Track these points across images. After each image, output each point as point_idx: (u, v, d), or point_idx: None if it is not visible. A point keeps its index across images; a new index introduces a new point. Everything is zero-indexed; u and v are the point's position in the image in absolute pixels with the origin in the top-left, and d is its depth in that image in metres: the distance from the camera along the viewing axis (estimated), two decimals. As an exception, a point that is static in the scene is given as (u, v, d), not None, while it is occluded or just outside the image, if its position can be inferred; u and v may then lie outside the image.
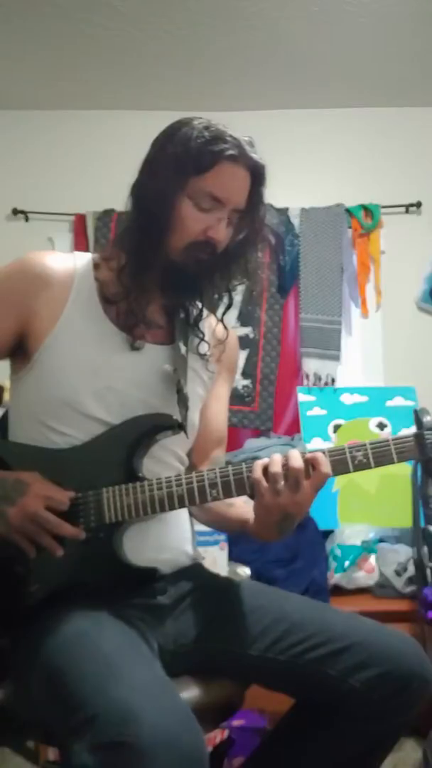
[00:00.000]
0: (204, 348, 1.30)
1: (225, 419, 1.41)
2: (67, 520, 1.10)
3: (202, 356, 1.30)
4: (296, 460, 1.07)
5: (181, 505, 1.13)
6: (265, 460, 1.09)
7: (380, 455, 1.09)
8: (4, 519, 1.07)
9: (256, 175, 1.19)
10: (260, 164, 1.19)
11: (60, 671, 0.97)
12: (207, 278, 1.22)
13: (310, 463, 1.07)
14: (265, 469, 1.08)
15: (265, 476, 1.08)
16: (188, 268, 1.18)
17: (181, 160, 1.14)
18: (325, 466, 1.07)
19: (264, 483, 1.08)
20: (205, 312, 1.30)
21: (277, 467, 1.07)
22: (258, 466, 1.09)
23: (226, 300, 1.29)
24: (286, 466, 1.07)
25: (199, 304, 1.28)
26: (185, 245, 1.17)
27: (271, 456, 1.09)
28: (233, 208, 1.18)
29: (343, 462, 1.09)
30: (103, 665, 0.94)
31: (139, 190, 1.19)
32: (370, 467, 1.09)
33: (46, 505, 1.08)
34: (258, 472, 1.08)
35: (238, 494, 1.11)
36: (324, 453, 1.09)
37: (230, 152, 1.14)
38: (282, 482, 1.07)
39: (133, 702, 0.85)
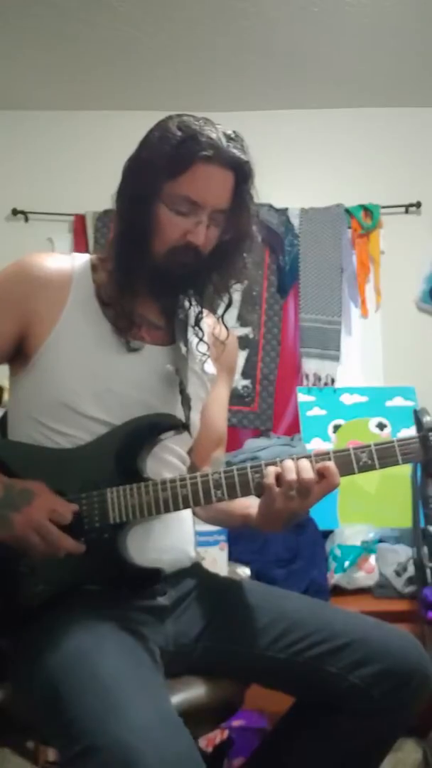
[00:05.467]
0: (203, 348, 1.30)
1: (224, 420, 1.42)
2: (71, 521, 1.10)
3: (202, 356, 1.30)
4: (308, 472, 1.07)
5: (186, 506, 1.13)
6: (278, 468, 1.09)
7: (385, 456, 1.09)
8: (8, 525, 1.07)
9: (239, 172, 1.16)
10: (242, 160, 1.15)
11: (60, 694, 0.95)
12: (197, 280, 1.21)
13: (321, 473, 1.08)
14: (277, 476, 1.08)
15: (276, 482, 1.08)
16: (173, 271, 1.17)
17: (154, 165, 1.13)
18: (336, 477, 1.08)
19: (276, 489, 1.08)
20: (204, 312, 1.30)
21: (291, 476, 1.07)
22: (271, 472, 1.09)
23: (225, 300, 1.28)
24: (298, 476, 1.07)
25: (197, 305, 1.28)
26: (166, 250, 1.16)
27: (284, 465, 1.09)
28: (213, 209, 1.15)
29: (348, 463, 1.09)
30: (103, 697, 0.91)
31: (119, 196, 1.19)
32: (374, 468, 1.10)
33: (50, 517, 1.07)
34: (271, 478, 1.08)
35: (243, 495, 1.12)
36: (329, 455, 1.09)
37: (203, 153, 1.11)
38: (294, 491, 1.07)
39: (133, 745, 0.84)
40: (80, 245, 3.02)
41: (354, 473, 1.10)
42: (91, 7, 2.45)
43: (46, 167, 3.13)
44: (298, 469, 1.08)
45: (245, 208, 1.20)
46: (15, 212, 3.09)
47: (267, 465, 1.11)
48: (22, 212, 3.09)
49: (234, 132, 1.17)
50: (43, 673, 1.00)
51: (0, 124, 3.17)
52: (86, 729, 0.88)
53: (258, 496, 1.12)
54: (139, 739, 0.85)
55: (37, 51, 2.73)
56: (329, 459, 1.10)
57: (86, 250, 2.91)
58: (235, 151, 1.15)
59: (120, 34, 2.60)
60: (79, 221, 3.07)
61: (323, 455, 1.10)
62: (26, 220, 3.10)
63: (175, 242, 1.16)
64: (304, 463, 1.08)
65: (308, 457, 1.10)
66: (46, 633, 1.05)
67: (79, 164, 3.11)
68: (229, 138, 1.15)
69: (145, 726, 0.87)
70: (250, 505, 1.18)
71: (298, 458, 1.10)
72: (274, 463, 1.11)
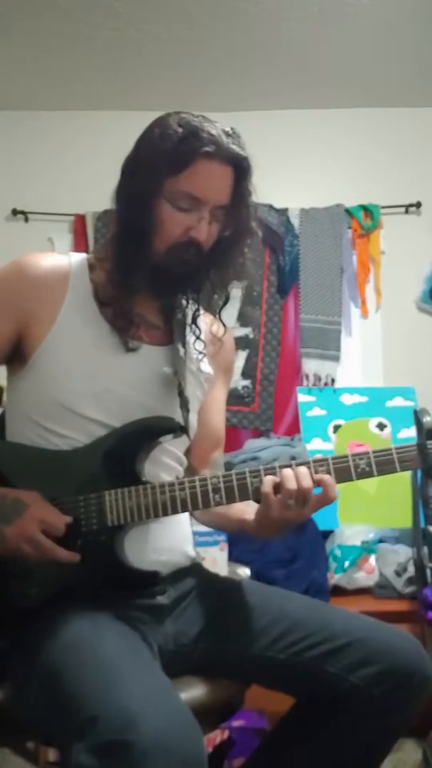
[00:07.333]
0: (200, 346, 1.30)
1: (222, 421, 1.42)
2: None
3: (199, 355, 1.30)
4: (306, 480, 1.08)
5: (184, 510, 1.13)
6: (276, 478, 1.09)
7: (383, 464, 1.10)
8: (1, 537, 1.07)
9: (239, 168, 1.17)
10: (241, 156, 1.16)
11: (59, 675, 0.96)
12: (197, 277, 1.21)
13: (319, 483, 1.08)
14: (276, 485, 1.09)
15: (274, 491, 1.08)
16: (175, 269, 1.17)
17: (155, 161, 1.13)
18: (333, 491, 1.08)
19: (273, 497, 1.08)
20: (201, 310, 1.30)
21: (291, 484, 1.07)
22: (268, 481, 1.09)
23: (222, 297, 1.28)
24: (297, 484, 1.07)
25: (195, 303, 1.27)
26: (168, 247, 1.16)
27: (283, 474, 1.09)
28: (215, 205, 1.16)
29: (346, 470, 1.10)
30: (102, 670, 0.93)
31: (119, 195, 1.19)
32: (372, 475, 1.10)
33: (42, 529, 1.07)
34: (268, 487, 1.09)
35: (241, 499, 1.12)
36: (328, 461, 1.09)
37: (204, 149, 1.11)
38: (293, 500, 1.08)
39: (132, 707, 0.85)
40: (80, 245, 3.01)
41: (352, 480, 1.10)
42: (91, 8, 2.45)
43: (46, 167, 3.13)
44: (297, 476, 1.08)
45: (245, 205, 1.20)
46: (15, 212, 3.09)
47: (265, 470, 1.11)
48: (22, 212, 3.09)
49: (232, 128, 1.17)
50: (43, 659, 1.01)
51: (0, 124, 3.17)
52: (85, 701, 0.89)
53: (256, 501, 1.12)
54: (137, 704, 0.86)
55: (37, 51, 2.73)
56: (328, 466, 1.10)
57: (86, 250, 2.90)
58: (234, 147, 1.15)
59: (120, 34, 2.60)
60: (79, 221, 3.07)
61: (322, 462, 1.10)
62: (26, 220, 3.10)
63: (178, 239, 1.16)
64: (303, 470, 1.08)
65: (306, 464, 1.10)
66: (44, 628, 1.05)
67: (79, 164, 3.10)
68: (227, 134, 1.15)
69: (143, 693, 0.88)
70: (246, 511, 1.18)
71: (297, 464, 1.10)
72: (273, 468, 1.11)
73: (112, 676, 0.91)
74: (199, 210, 1.15)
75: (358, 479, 1.10)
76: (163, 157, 1.12)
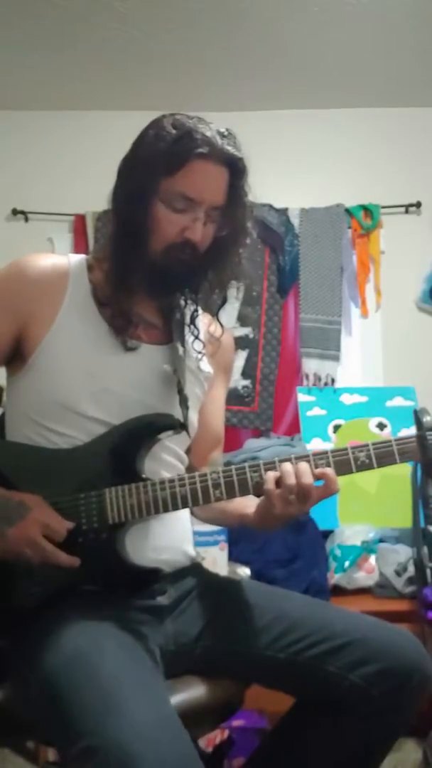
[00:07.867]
0: (199, 346, 1.31)
1: (222, 420, 1.42)
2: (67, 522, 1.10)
3: (198, 354, 1.30)
4: (307, 477, 1.08)
5: (185, 506, 1.13)
6: (277, 473, 1.09)
7: (383, 455, 1.10)
8: (2, 539, 1.07)
9: (234, 168, 1.17)
10: (236, 157, 1.16)
11: (59, 692, 0.95)
12: (194, 277, 1.21)
13: (320, 479, 1.09)
14: (277, 481, 1.09)
15: (276, 486, 1.09)
16: (171, 269, 1.18)
17: (150, 162, 1.14)
18: (335, 484, 1.08)
19: (276, 494, 1.08)
20: (199, 310, 1.30)
21: (291, 480, 1.08)
22: (271, 478, 1.09)
23: (219, 298, 1.29)
24: (297, 480, 1.08)
25: (193, 303, 1.28)
26: (164, 248, 1.17)
27: (283, 468, 1.09)
28: (210, 205, 1.16)
29: (346, 463, 1.10)
30: (103, 697, 0.92)
31: (115, 196, 1.19)
32: (372, 468, 1.10)
33: (44, 533, 1.07)
34: (271, 484, 1.09)
35: (241, 494, 1.12)
36: (327, 454, 1.09)
37: (199, 150, 1.12)
38: (294, 496, 1.08)
39: (132, 746, 0.84)
40: (80, 245, 3.02)
41: (352, 472, 1.10)
42: (91, 8, 2.45)
43: (46, 167, 3.14)
44: (298, 473, 1.08)
45: (240, 205, 1.21)
46: (15, 212, 3.09)
47: (265, 465, 1.11)
48: (22, 212, 3.09)
49: (227, 129, 1.18)
50: (43, 674, 1.00)
51: (0, 124, 3.17)
52: (85, 730, 0.89)
53: (257, 495, 1.12)
54: (137, 741, 0.85)
55: (37, 51, 2.73)
56: (328, 459, 1.10)
57: (86, 250, 2.91)
58: (229, 147, 1.15)
59: (120, 34, 2.60)
60: (79, 221, 3.07)
61: (321, 455, 1.10)
62: (26, 220, 3.10)
63: (173, 239, 1.16)
64: (303, 467, 1.08)
65: (306, 457, 1.10)
66: (45, 634, 1.05)
67: (79, 164, 3.10)
68: (222, 135, 1.16)
69: (144, 727, 0.87)
70: (247, 505, 1.18)
71: (297, 459, 1.10)
72: (273, 463, 1.11)
73: (113, 702, 0.90)
74: (194, 210, 1.15)
75: (358, 471, 1.10)
76: (158, 158, 1.13)
